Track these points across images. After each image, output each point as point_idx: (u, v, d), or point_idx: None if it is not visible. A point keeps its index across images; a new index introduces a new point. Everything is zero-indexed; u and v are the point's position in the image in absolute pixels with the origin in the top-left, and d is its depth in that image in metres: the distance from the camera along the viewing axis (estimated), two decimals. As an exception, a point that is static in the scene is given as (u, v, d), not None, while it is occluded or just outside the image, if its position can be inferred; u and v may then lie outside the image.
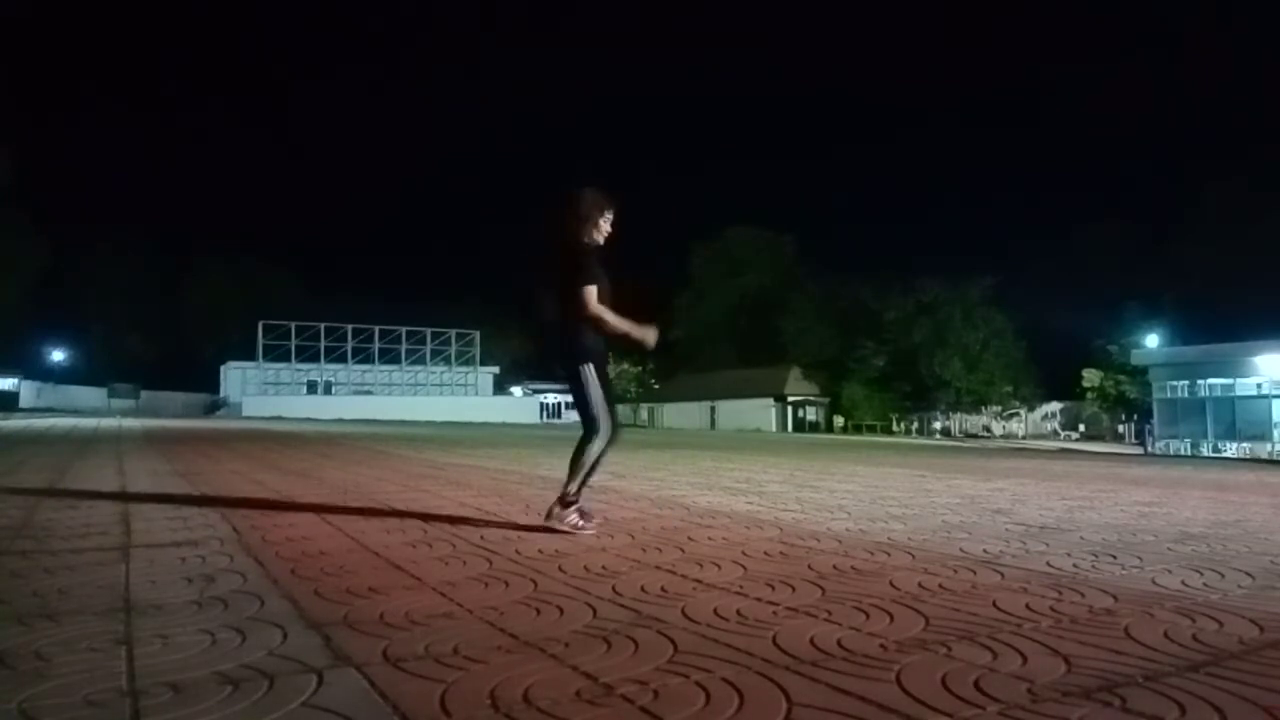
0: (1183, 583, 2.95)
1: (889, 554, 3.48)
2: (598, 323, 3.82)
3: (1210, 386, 28.57)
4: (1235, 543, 3.96)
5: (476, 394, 60.52)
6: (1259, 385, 27.50)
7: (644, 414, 64.61)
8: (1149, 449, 29.20)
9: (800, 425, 54.94)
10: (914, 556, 3.42)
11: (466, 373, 62.37)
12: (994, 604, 2.58)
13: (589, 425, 3.90)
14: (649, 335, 3.99)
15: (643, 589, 2.73)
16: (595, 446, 3.89)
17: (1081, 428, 50.92)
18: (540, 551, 3.40)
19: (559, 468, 8.61)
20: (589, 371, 3.88)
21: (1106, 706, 1.71)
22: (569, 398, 4.16)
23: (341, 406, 48.09)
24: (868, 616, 2.41)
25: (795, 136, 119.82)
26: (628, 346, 4.22)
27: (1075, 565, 3.27)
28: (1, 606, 2.41)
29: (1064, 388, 49.81)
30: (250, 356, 56.52)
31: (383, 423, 32.40)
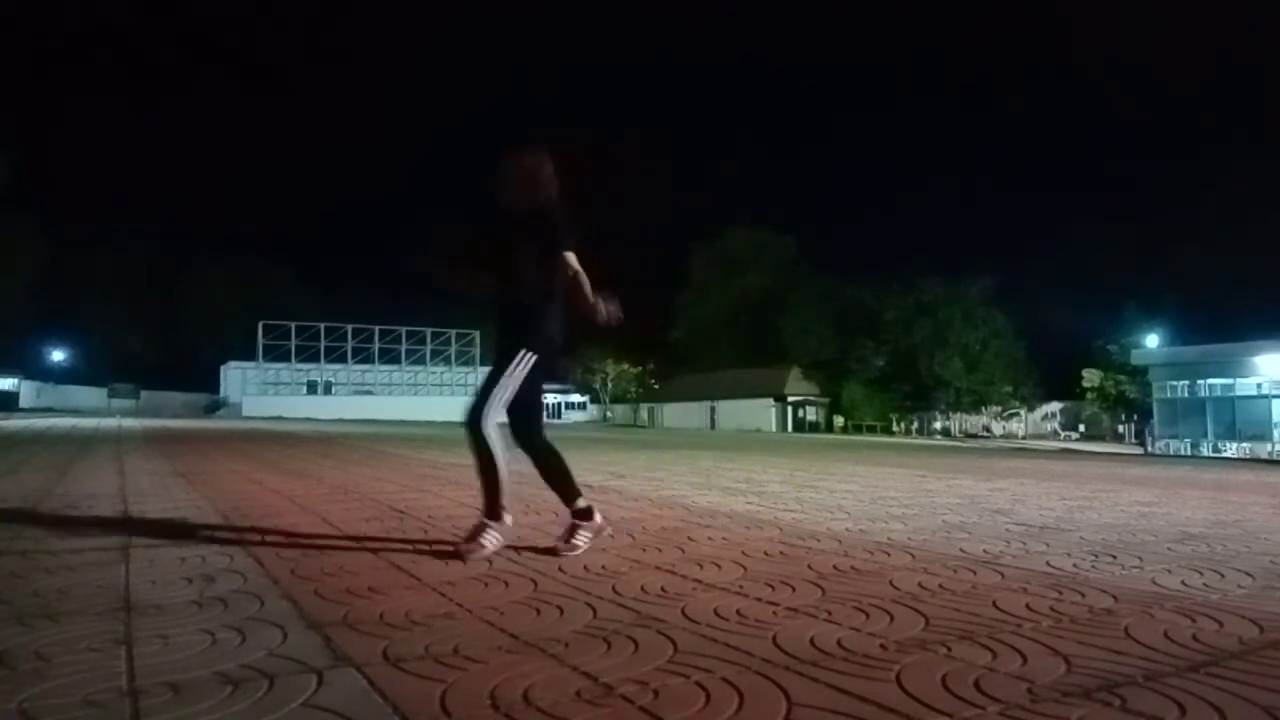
0: (1183, 583, 2.95)
1: (889, 554, 3.47)
2: (578, 293, 3.30)
3: (1210, 386, 28.57)
4: (1235, 543, 3.96)
5: (476, 394, 60.46)
6: (1259, 385, 27.51)
7: (644, 414, 64.66)
8: (1149, 449, 29.21)
9: (800, 425, 54.94)
10: (914, 556, 3.42)
11: (466, 373, 62.41)
12: (994, 604, 2.58)
13: (477, 413, 3.31)
14: (612, 309, 3.36)
15: (643, 589, 2.73)
16: (495, 441, 3.36)
17: (1081, 428, 50.93)
18: (540, 552, 3.41)
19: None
20: (528, 361, 3.33)
21: (1106, 706, 1.71)
22: (570, 397, 3.92)
23: (341, 406, 48.17)
24: (868, 616, 2.41)
25: (795, 136, 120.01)
26: (596, 332, 3.65)
27: (1075, 565, 3.27)
28: (1, 606, 2.41)
29: (1064, 388, 49.82)
30: (250, 356, 56.59)
31: (383, 423, 32.42)
